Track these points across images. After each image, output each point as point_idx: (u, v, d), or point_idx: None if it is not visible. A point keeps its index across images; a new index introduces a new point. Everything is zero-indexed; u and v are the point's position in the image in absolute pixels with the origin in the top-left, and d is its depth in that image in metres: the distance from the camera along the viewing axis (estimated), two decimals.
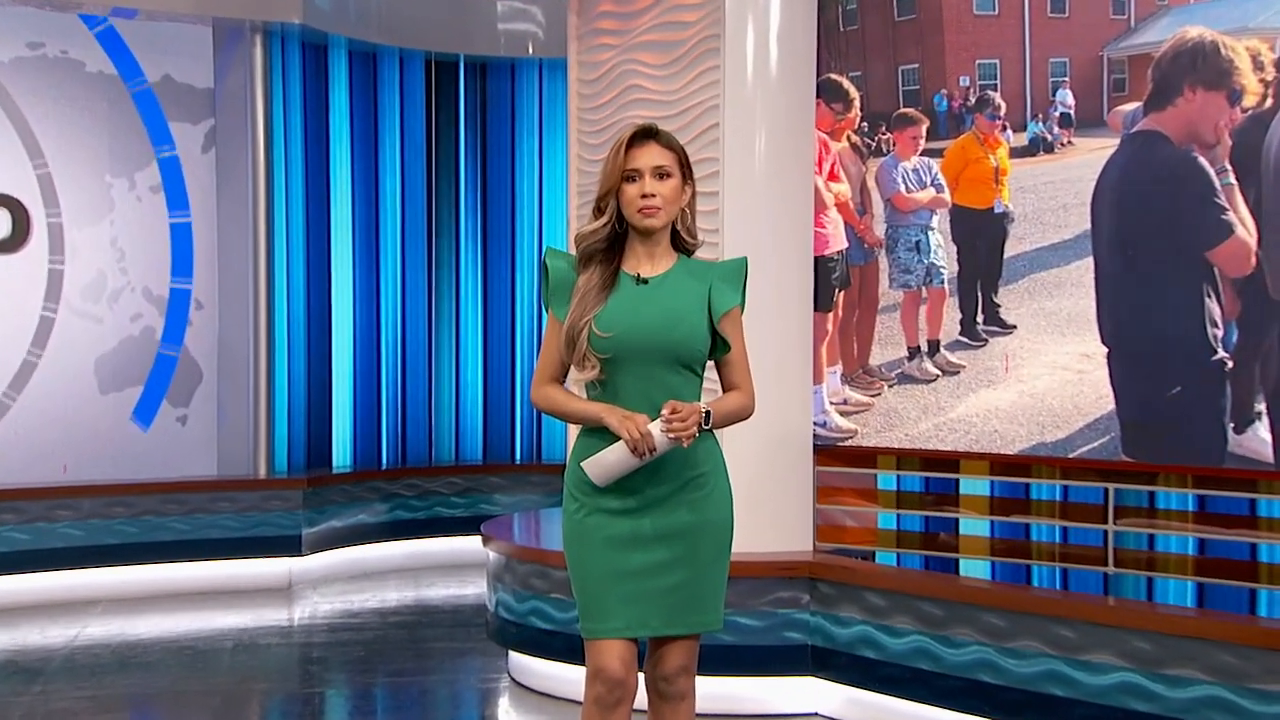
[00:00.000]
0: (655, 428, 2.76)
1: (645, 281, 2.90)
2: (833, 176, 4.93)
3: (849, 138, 4.90)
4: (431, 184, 8.37)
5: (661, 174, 2.87)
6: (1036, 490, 4.32)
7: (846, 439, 4.82)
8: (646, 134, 2.90)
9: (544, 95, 8.46)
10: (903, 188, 4.75)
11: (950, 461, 4.52)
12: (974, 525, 4.47)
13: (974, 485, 4.47)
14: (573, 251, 2.95)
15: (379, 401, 8.15)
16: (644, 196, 2.85)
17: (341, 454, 8.01)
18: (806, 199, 4.89)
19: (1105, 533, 4.15)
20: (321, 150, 7.91)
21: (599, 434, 2.85)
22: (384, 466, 8.12)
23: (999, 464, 4.40)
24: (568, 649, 4.76)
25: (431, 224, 8.38)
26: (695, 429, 2.77)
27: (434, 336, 8.38)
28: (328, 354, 7.95)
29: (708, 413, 2.82)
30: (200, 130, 7.75)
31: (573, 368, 2.90)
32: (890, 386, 4.74)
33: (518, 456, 8.46)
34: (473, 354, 8.45)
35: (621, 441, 2.77)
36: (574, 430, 3.13)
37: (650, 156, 2.87)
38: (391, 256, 8.20)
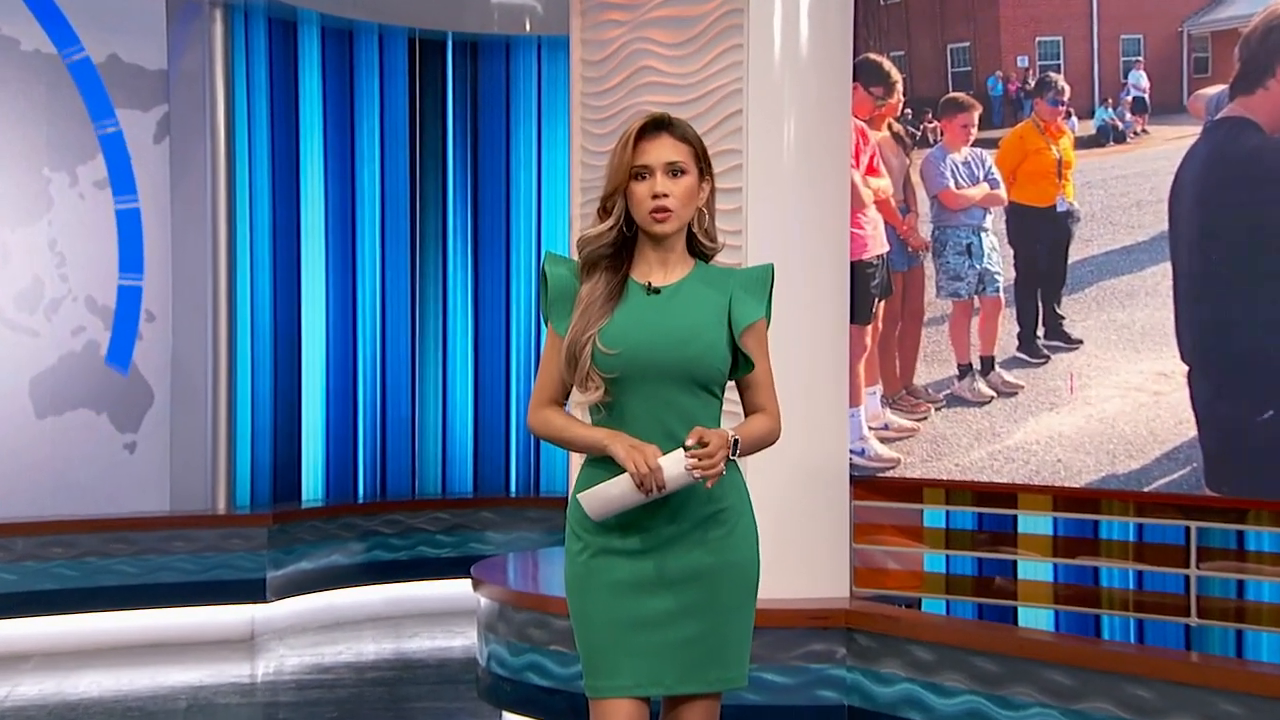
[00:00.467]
0: (668, 461, 2.74)
1: (657, 291, 2.90)
2: (871, 170, 4.93)
3: (890, 126, 4.91)
4: (416, 180, 8.40)
5: (675, 171, 2.87)
6: (1107, 529, 4.31)
7: (887, 469, 4.81)
8: (658, 125, 2.89)
9: (543, 79, 8.49)
10: (952, 183, 4.75)
11: (1007, 495, 4.50)
12: (1035, 568, 4.46)
13: (1035, 523, 4.46)
14: (575, 257, 2.95)
15: (355, 426, 8.16)
16: (655, 197, 2.85)
17: (312, 486, 8.02)
18: (842, 196, 4.89)
19: (1187, 578, 4.13)
20: (290, 141, 7.94)
21: (605, 464, 2.85)
22: (360, 500, 8.12)
23: (1063, 498, 4.39)
24: (570, 710, 4.75)
25: (415, 225, 8.40)
26: (724, 467, 2.76)
27: (418, 352, 8.39)
28: (297, 371, 7.96)
29: (736, 440, 2.80)
30: (152, 118, 7.78)
31: (574, 389, 2.90)
32: (938, 409, 4.73)
33: (513, 489, 8.46)
34: (462, 372, 8.46)
35: (626, 475, 2.76)
36: (577, 459, 3.13)
37: (662, 151, 2.87)
38: (370, 261, 8.22)
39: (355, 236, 8.18)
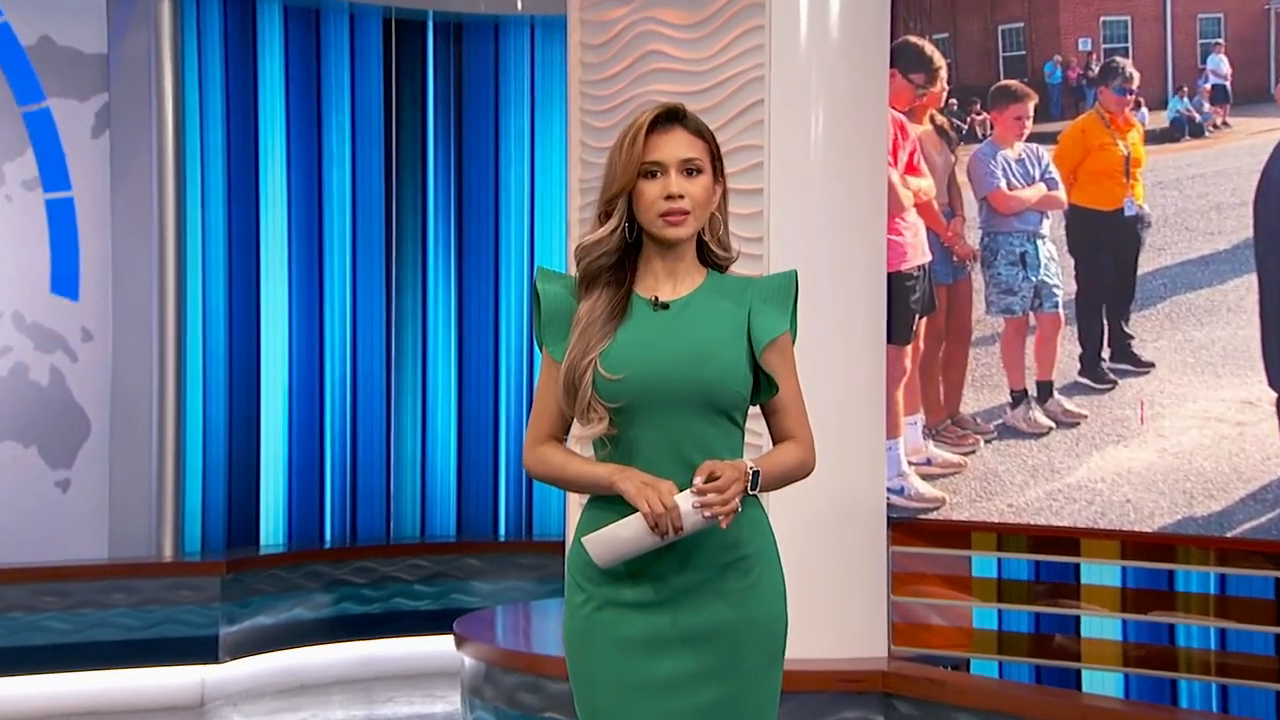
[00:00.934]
0: (685, 499, 2.74)
1: (665, 306, 2.90)
2: (911, 169, 4.94)
3: (933, 119, 4.92)
4: (392, 180, 8.40)
5: (690, 169, 2.87)
6: (1184, 580, 4.30)
7: (931, 510, 4.81)
8: (672, 116, 2.90)
9: (536, 64, 8.51)
10: (1003, 183, 4.75)
11: (1068, 540, 4.50)
12: (1101, 625, 4.45)
13: (1100, 572, 4.45)
14: (572, 270, 2.95)
15: (321, 460, 8.16)
16: (668, 198, 2.85)
17: (272, 529, 8.01)
18: (877, 199, 4.90)
19: (1277, 637, 4.12)
20: (248, 136, 7.95)
21: (611, 504, 2.84)
22: (328, 545, 8.11)
23: (1134, 545, 4.38)
24: None
25: (392, 231, 8.40)
26: (739, 503, 2.76)
27: (394, 376, 8.39)
28: (255, 398, 7.96)
29: (756, 473, 2.80)
30: (90, 108, 7.80)
31: (575, 421, 2.90)
32: (988, 442, 4.73)
33: (502, 532, 8.45)
34: (444, 399, 8.46)
35: (637, 515, 2.76)
36: (576, 499, 3.13)
37: (676, 146, 2.87)
38: (339, 272, 8.22)
39: (323, 244, 8.19)
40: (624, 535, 2.77)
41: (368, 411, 8.31)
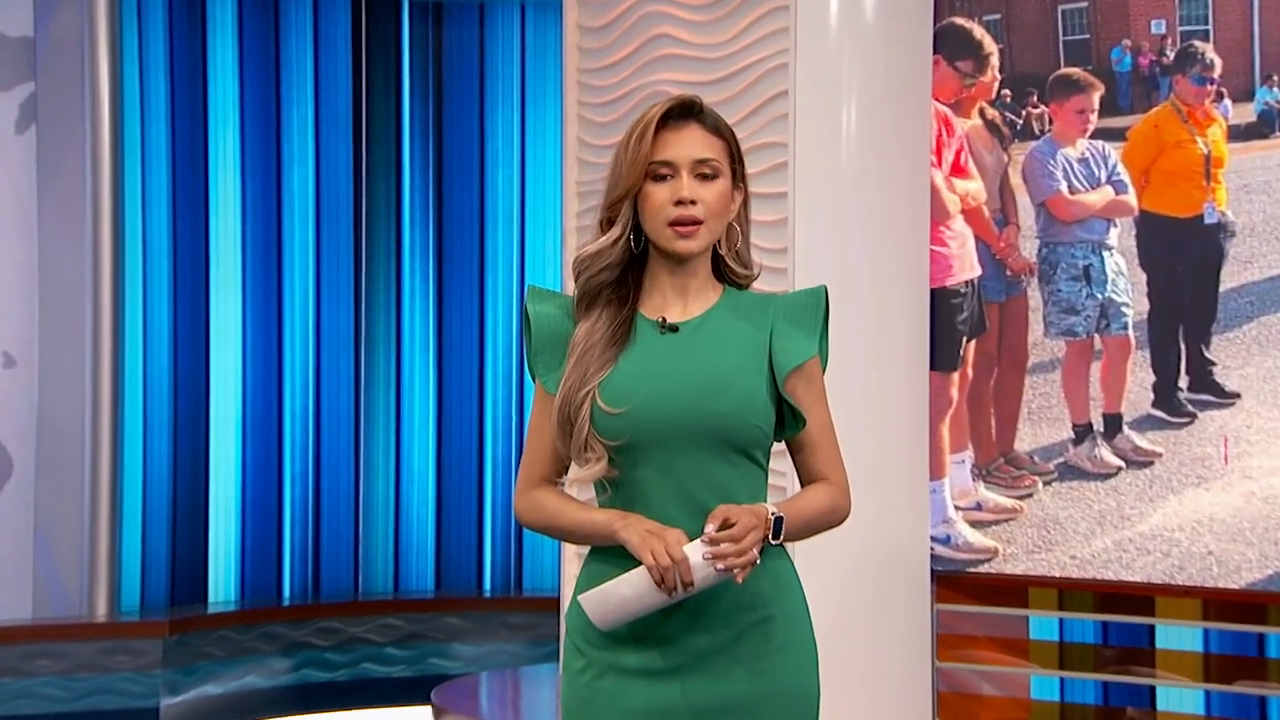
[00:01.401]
0: (696, 550, 2.72)
1: (674, 329, 2.89)
2: (958, 170, 4.94)
3: (983, 113, 4.92)
4: (361, 181, 8.41)
5: (705, 172, 2.86)
6: (1276, 644, 4.29)
7: (981, 562, 4.80)
8: (685, 110, 2.89)
9: (527, 50, 8.51)
10: (1064, 186, 4.76)
11: (1142, 598, 4.49)
12: (1180, 696, 4.43)
13: (1178, 635, 4.44)
14: (568, 288, 2.95)
15: (279, 505, 8.15)
16: (679, 203, 2.84)
17: (222, 584, 8.00)
18: (919, 205, 4.90)
19: None
20: (197, 130, 7.96)
21: (614, 556, 2.83)
22: (286, 602, 8.10)
23: (1217, 603, 4.37)
24: None
25: (361, 241, 8.40)
26: (758, 554, 2.75)
27: (363, 408, 8.39)
28: (203, 433, 7.96)
29: (779, 519, 2.79)
30: (13, 99, 7.81)
31: (572, 461, 2.89)
32: (1047, 484, 4.72)
33: (487, 586, 8.43)
34: (421, 434, 8.45)
35: (641, 569, 2.75)
36: (574, 550, 3.12)
37: (690, 144, 2.87)
38: (301, 288, 8.23)
39: (282, 256, 8.19)
40: (626, 592, 2.76)
41: (333, 448, 8.30)
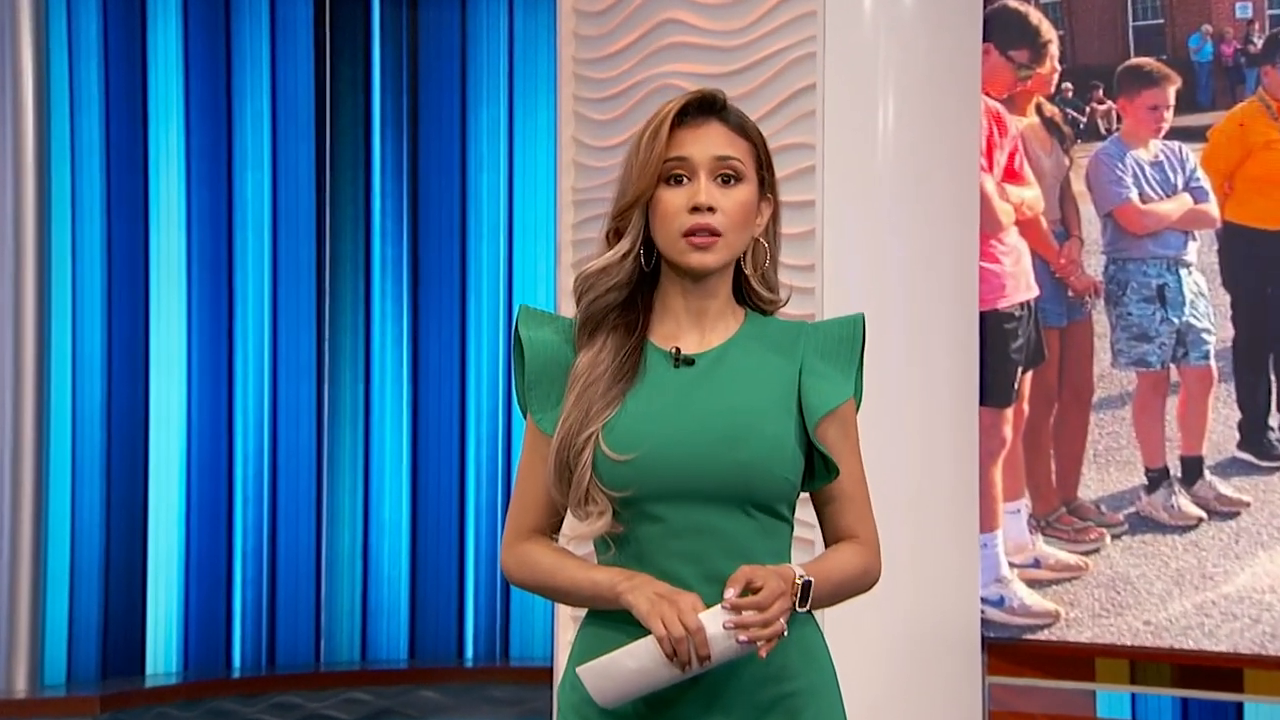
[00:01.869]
0: (714, 619, 2.72)
1: (690, 361, 2.89)
2: (1012, 175, 4.95)
3: (1040, 109, 4.93)
4: (325, 186, 8.42)
5: (728, 174, 2.86)
6: None
7: (1041, 628, 4.79)
8: (706, 106, 2.88)
9: (515, 38, 8.54)
10: (1135, 194, 4.77)
11: (1228, 671, 4.49)
12: None
13: (1271, 714, 4.44)
14: (563, 310, 2.95)
15: (229, 561, 8.15)
16: (695, 210, 2.83)
17: (162, 653, 8.00)
18: (967, 215, 4.91)
19: None
20: (135, 128, 7.98)
21: (616, 621, 2.83)
22: (236, 673, 8.10)
23: None
24: None
25: (324, 254, 8.42)
26: (784, 624, 2.73)
27: (326, 447, 8.39)
28: (141, 478, 7.97)
29: (806, 584, 2.79)
30: None
31: (569, 513, 2.88)
32: (1117, 537, 4.73)
33: (469, 654, 8.44)
34: (393, 478, 8.46)
35: (649, 639, 2.74)
36: (570, 613, 3.12)
37: (710, 142, 2.86)
38: (255, 308, 8.24)
39: (233, 271, 8.20)
40: (632, 665, 2.76)
41: (291, 494, 8.31)
